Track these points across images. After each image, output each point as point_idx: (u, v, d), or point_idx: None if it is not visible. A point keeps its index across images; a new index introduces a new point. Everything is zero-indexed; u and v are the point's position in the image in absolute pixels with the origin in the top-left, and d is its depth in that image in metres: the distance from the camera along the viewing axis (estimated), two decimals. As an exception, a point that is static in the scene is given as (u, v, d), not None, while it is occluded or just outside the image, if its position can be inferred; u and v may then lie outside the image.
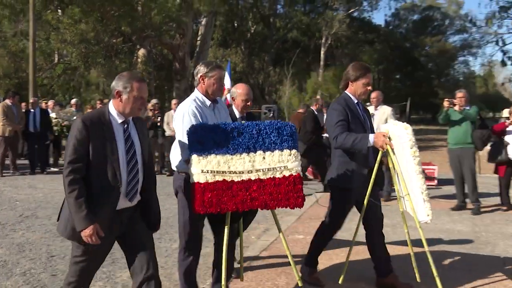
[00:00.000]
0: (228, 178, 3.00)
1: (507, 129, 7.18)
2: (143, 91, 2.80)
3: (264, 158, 3.03)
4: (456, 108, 6.90)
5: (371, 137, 3.56)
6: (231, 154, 3.02)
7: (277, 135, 3.07)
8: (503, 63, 32.33)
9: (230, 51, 27.49)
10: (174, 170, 3.52)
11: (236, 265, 3.97)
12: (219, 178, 2.99)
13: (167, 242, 5.34)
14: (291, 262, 3.26)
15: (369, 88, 3.83)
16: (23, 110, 11.15)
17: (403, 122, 3.63)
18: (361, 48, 33.10)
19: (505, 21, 30.20)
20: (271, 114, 10.30)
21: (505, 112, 10.67)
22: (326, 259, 4.52)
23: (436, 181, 9.71)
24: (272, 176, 3.03)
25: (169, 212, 6.44)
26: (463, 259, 4.71)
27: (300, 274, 3.45)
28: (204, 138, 3.03)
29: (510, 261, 4.67)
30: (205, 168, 2.99)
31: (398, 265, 4.03)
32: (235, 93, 3.99)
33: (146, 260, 2.79)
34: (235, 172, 3.01)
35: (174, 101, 11.76)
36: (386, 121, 6.90)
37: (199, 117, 3.30)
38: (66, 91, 21.89)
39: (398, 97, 30.61)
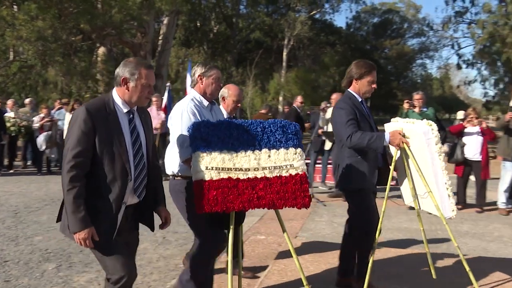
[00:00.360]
0: (233, 175, 2.89)
1: (465, 130, 7.47)
2: (152, 78, 2.63)
3: (269, 156, 2.96)
4: (416, 109, 7.13)
5: (387, 135, 3.50)
6: (236, 151, 2.93)
7: (282, 133, 3.01)
8: (459, 66, 33.51)
9: (192, 51, 27.34)
10: (169, 175, 3.38)
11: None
12: (224, 175, 2.87)
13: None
14: (297, 265, 3.08)
15: (374, 86, 3.72)
16: (-24, 110, 10.68)
17: None
18: (322, 49, 33.55)
19: (460, 26, 31.40)
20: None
21: (460, 114, 11.08)
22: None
23: (394, 181, 9.89)
24: (278, 175, 2.94)
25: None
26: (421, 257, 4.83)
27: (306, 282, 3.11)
28: (208, 135, 2.92)
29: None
30: (209, 165, 2.86)
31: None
32: (226, 94, 3.91)
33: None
34: (240, 169, 2.90)
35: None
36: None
37: (198, 116, 3.25)
38: (22, 90, 21.14)
39: (359, 99, 31.11)
